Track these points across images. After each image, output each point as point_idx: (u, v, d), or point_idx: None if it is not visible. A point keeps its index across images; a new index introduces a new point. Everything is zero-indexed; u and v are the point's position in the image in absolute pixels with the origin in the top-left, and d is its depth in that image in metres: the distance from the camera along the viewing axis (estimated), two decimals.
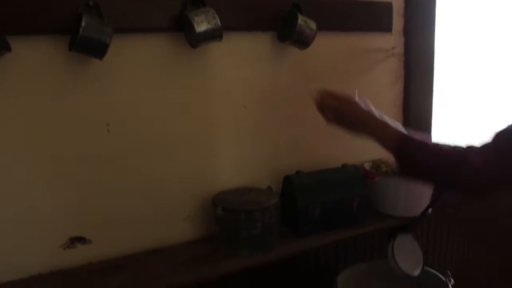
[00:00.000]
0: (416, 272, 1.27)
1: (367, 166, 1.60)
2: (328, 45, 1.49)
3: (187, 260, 1.26)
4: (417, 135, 1.06)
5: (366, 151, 1.67)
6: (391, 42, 1.66)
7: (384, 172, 1.55)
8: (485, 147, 0.97)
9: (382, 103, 1.68)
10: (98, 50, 1.06)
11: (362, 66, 1.59)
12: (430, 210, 1.34)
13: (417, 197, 1.47)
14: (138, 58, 1.21)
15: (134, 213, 1.28)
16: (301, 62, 1.46)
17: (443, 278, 1.37)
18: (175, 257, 1.29)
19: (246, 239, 1.25)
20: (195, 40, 1.18)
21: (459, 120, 2.12)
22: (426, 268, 1.45)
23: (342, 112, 1.19)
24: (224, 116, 1.36)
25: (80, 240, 1.24)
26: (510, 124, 0.98)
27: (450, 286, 1.32)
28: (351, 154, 1.60)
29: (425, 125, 1.83)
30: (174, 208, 1.34)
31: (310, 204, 1.35)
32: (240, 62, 1.36)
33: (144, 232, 1.31)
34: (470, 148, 0.98)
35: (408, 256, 1.29)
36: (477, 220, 2.12)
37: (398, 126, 1.15)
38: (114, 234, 1.27)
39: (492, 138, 0.98)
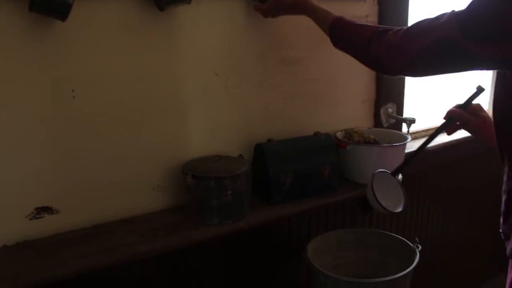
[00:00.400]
0: (398, 209, 1.26)
1: (339, 135, 1.60)
2: None
3: (157, 229, 1.25)
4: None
5: (339, 120, 1.67)
6: (364, 10, 1.64)
7: (356, 141, 1.55)
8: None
9: (355, 72, 1.67)
10: (60, 10, 1.01)
11: None
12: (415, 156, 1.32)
13: (388, 166, 1.47)
14: (103, 21, 1.16)
15: (103, 182, 1.25)
16: (273, 29, 1.43)
17: (411, 244, 1.39)
18: (145, 226, 1.27)
19: (216, 207, 1.24)
20: (162, 2, 1.14)
21: (431, 91, 2.14)
22: (394, 234, 1.48)
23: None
24: (194, 83, 1.33)
25: (47, 210, 1.20)
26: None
27: (417, 252, 1.35)
28: (323, 123, 1.60)
29: (398, 95, 1.84)
30: (143, 177, 1.31)
31: (282, 172, 1.35)
32: (211, 27, 1.32)
33: (114, 202, 1.28)
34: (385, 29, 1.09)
35: (388, 195, 1.27)
36: (446, 188, 2.17)
37: None
38: (82, 204, 1.24)
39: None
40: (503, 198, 1.04)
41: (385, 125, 1.79)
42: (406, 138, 1.58)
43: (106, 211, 1.28)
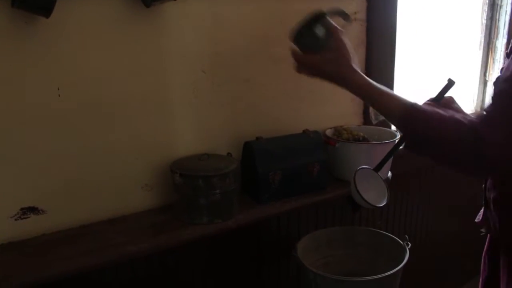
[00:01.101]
0: (382, 203, 1.25)
1: (328, 132, 1.59)
2: (289, 8, 1.45)
3: (145, 229, 1.24)
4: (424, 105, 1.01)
5: (328, 118, 1.67)
6: (353, 6, 1.64)
7: (345, 139, 1.55)
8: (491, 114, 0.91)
9: None
10: (43, 6, 0.99)
11: None
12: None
13: (377, 163, 1.47)
14: (89, 17, 1.14)
15: (90, 181, 1.24)
16: (261, 25, 1.42)
17: (401, 242, 1.39)
18: (133, 226, 1.25)
19: (205, 206, 1.23)
20: None
21: (420, 87, 2.14)
22: (384, 232, 1.48)
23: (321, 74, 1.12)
24: (181, 81, 1.31)
25: (33, 210, 1.19)
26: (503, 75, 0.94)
27: (407, 249, 1.34)
28: (312, 121, 1.59)
29: None
30: (131, 176, 1.30)
31: (271, 170, 1.34)
32: (197, 24, 1.30)
33: (101, 202, 1.27)
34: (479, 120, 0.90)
35: (372, 190, 1.26)
36: (436, 186, 2.17)
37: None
38: (69, 204, 1.22)
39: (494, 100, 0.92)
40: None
41: (374, 122, 1.78)
42: (395, 136, 1.57)
43: (93, 211, 1.26)
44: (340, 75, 1.07)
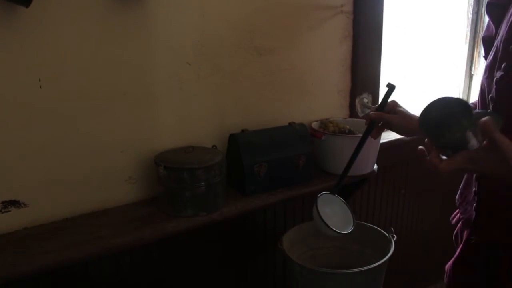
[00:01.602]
0: (348, 230, 1.25)
1: (315, 125, 1.59)
2: (275, 0, 1.44)
3: (129, 222, 1.22)
4: None
5: (314, 110, 1.66)
6: None
7: (331, 132, 1.54)
8: None
9: (330, 62, 1.66)
10: None
11: (309, 23, 1.55)
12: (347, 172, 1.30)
13: (364, 156, 1.47)
14: (70, 7, 1.12)
15: (72, 174, 1.22)
16: (247, 18, 1.41)
17: (386, 234, 1.39)
18: (116, 219, 1.24)
19: (189, 199, 1.22)
20: None
21: (407, 80, 2.14)
22: (370, 225, 1.48)
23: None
24: (165, 72, 1.30)
25: (15, 203, 1.17)
26: None
27: (392, 242, 1.35)
28: (298, 113, 1.59)
29: (373, 85, 1.83)
30: (115, 169, 1.28)
31: (256, 163, 1.33)
32: (183, 16, 1.29)
33: (84, 195, 1.25)
34: None
35: (336, 216, 1.28)
36: (422, 179, 2.18)
37: None
38: (52, 197, 1.20)
39: None
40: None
41: (361, 115, 1.78)
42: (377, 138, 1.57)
43: (76, 204, 1.25)
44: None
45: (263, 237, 1.60)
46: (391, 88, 1.20)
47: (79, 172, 1.23)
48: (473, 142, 0.82)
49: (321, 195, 1.28)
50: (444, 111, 0.83)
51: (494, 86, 1.05)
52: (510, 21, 1.03)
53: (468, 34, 2.49)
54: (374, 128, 1.24)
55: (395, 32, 2.03)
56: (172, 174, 1.21)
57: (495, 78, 1.05)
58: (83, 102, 1.19)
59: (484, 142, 0.81)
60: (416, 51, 2.23)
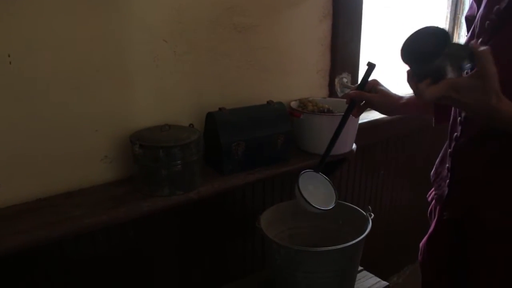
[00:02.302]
0: (330, 206, 1.26)
1: (294, 104, 1.57)
2: None
3: (104, 202, 1.20)
4: None
5: (293, 89, 1.65)
6: None
7: (310, 111, 1.53)
8: None
9: (309, 41, 1.65)
10: None
11: (288, 1, 1.53)
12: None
13: (342, 136, 1.46)
14: None
15: (45, 153, 1.19)
16: None
17: (364, 212, 1.40)
18: (91, 199, 1.21)
19: (166, 177, 1.20)
20: None
21: (387, 60, 2.14)
22: (348, 203, 1.48)
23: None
24: (141, 50, 1.27)
25: None
26: None
27: (370, 220, 1.35)
28: (277, 92, 1.57)
29: (353, 65, 1.83)
30: (89, 148, 1.26)
31: (234, 141, 1.31)
32: None
33: (58, 174, 1.22)
34: None
35: (319, 193, 1.28)
36: (399, 159, 2.20)
37: None
38: (24, 177, 1.17)
39: None
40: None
41: (340, 94, 1.78)
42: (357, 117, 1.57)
43: (50, 184, 1.22)
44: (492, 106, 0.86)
45: (242, 216, 1.59)
46: (371, 66, 1.20)
47: (52, 152, 1.20)
48: (451, 74, 0.84)
49: (303, 172, 1.28)
50: (424, 39, 0.86)
51: None
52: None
53: (448, 15, 2.49)
54: (355, 107, 1.24)
55: (376, 11, 2.02)
56: (147, 153, 1.19)
57: None
58: (55, 79, 1.15)
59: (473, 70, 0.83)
60: (397, 31, 2.22)
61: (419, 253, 1.35)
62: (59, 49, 1.14)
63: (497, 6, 0.98)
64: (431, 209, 1.31)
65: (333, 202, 1.27)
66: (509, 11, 0.96)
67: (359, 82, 1.25)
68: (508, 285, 1.10)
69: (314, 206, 1.23)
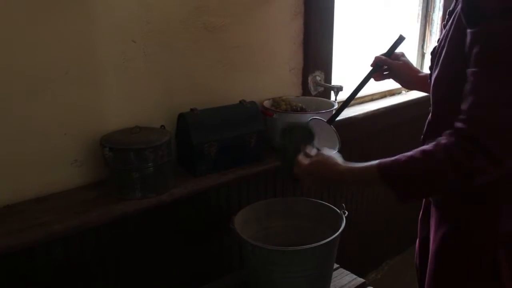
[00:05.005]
0: (335, 149, 1.31)
1: (267, 103, 1.57)
2: None
3: (75, 206, 1.18)
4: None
5: (266, 88, 1.65)
6: None
7: (283, 110, 1.53)
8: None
9: (282, 39, 1.64)
10: None
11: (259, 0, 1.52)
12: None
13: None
14: None
15: (13, 158, 1.16)
16: None
17: (338, 210, 1.40)
18: (61, 204, 1.19)
19: (137, 180, 1.19)
20: None
21: (360, 59, 2.15)
22: (321, 202, 1.49)
23: (318, 178, 1.15)
24: (110, 51, 1.25)
25: None
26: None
27: (343, 218, 1.36)
28: (250, 92, 1.57)
29: (326, 63, 1.83)
30: (59, 151, 1.23)
31: (206, 142, 1.31)
32: None
33: (26, 180, 1.19)
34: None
35: (323, 138, 1.32)
36: (376, 154, 2.21)
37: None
38: None
39: None
40: None
41: (313, 93, 1.78)
42: (333, 105, 1.58)
43: (18, 190, 1.19)
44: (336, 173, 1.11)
45: (218, 217, 1.58)
46: (401, 38, 1.27)
47: (19, 157, 1.17)
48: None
49: (312, 118, 1.34)
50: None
51: (431, 57, 1.10)
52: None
53: (420, 13, 2.52)
54: (377, 71, 1.31)
55: (348, 10, 2.03)
56: (118, 156, 1.17)
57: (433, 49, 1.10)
58: (19, 83, 1.12)
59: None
60: (369, 29, 2.24)
61: (415, 257, 1.35)
62: (25, 51, 1.12)
63: (449, 9, 1.05)
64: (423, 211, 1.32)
65: (337, 147, 1.32)
66: (453, 13, 1.00)
67: (387, 50, 1.32)
68: None
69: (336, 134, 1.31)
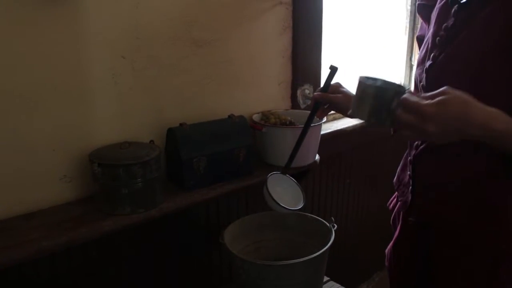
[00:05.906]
0: (298, 206, 1.30)
1: (256, 117, 1.58)
2: None
3: (64, 222, 1.17)
4: None
5: (255, 102, 1.66)
6: None
7: (272, 123, 1.54)
8: None
9: (270, 53, 1.66)
10: None
11: (248, 14, 1.54)
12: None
13: (304, 146, 1.48)
14: None
15: (0, 174, 1.15)
16: (183, 9, 1.37)
17: (327, 224, 1.41)
18: (50, 220, 1.18)
19: (126, 196, 1.18)
20: None
21: (348, 71, 2.17)
22: (311, 215, 1.49)
23: (451, 119, 0.85)
24: (99, 66, 1.25)
25: None
26: None
27: (333, 231, 1.36)
28: (239, 106, 1.58)
29: (314, 77, 1.85)
30: (47, 167, 1.23)
31: (195, 157, 1.31)
32: (116, 7, 1.24)
33: (14, 196, 1.18)
34: None
35: (287, 195, 1.32)
36: (364, 168, 2.23)
37: None
38: None
39: None
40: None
41: (303, 106, 1.79)
42: (322, 119, 1.58)
43: (6, 206, 1.18)
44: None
45: (207, 232, 1.58)
46: (333, 70, 1.23)
47: (7, 172, 1.16)
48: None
49: (271, 174, 1.32)
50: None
51: (424, 75, 1.11)
52: (435, 18, 1.13)
53: (408, 25, 2.55)
54: (319, 109, 1.27)
55: (336, 23, 2.05)
56: (107, 171, 1.17)
57: (425, 67, 1.10)
58: (7, 98, 1.12)
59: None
60: (357, 42, 2.26)
61: (386, 259, 1.38)
62: (14, 68, 1.11)
63: (445, 24, 1.08)
64: (395, 215, 1.35)
65: (301, 203, 1.30)
66: (455, 27, 1.05)
67: (322, 84, 1.28)
68: None
69: (282, 206, 1.26)
